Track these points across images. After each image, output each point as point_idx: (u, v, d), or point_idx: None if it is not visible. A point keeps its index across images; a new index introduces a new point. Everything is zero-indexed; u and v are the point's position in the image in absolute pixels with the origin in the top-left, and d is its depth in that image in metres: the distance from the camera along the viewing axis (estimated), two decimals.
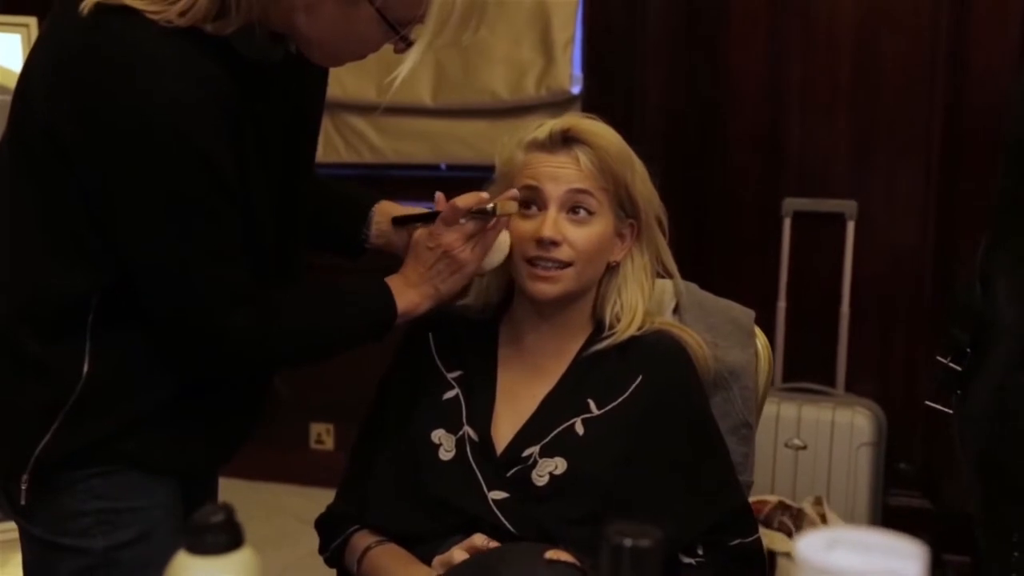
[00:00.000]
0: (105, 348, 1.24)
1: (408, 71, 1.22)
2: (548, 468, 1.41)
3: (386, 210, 1.53)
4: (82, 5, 1.13)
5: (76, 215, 1.20)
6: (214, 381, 1.34)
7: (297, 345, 1.36)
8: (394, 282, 1.40)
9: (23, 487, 1.26)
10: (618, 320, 1.50)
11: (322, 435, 3.67)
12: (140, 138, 1.14)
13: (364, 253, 1.55)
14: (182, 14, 1.14)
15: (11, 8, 2.95)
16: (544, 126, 1.47)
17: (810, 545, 0.52)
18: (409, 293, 1.40)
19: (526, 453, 1.42)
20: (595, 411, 1.44)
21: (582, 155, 1.44)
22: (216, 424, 1.36)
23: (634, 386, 1.45)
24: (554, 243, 1.42)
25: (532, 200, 1.46)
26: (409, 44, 1.23)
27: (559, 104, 3.22)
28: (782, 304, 2.99)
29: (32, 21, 2.90)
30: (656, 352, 1.49)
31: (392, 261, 1.47)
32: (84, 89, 1.14)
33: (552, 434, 1.43)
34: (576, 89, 3.24)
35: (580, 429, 1.43)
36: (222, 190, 1.20)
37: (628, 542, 0.67)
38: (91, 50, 1.14)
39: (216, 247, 1.22)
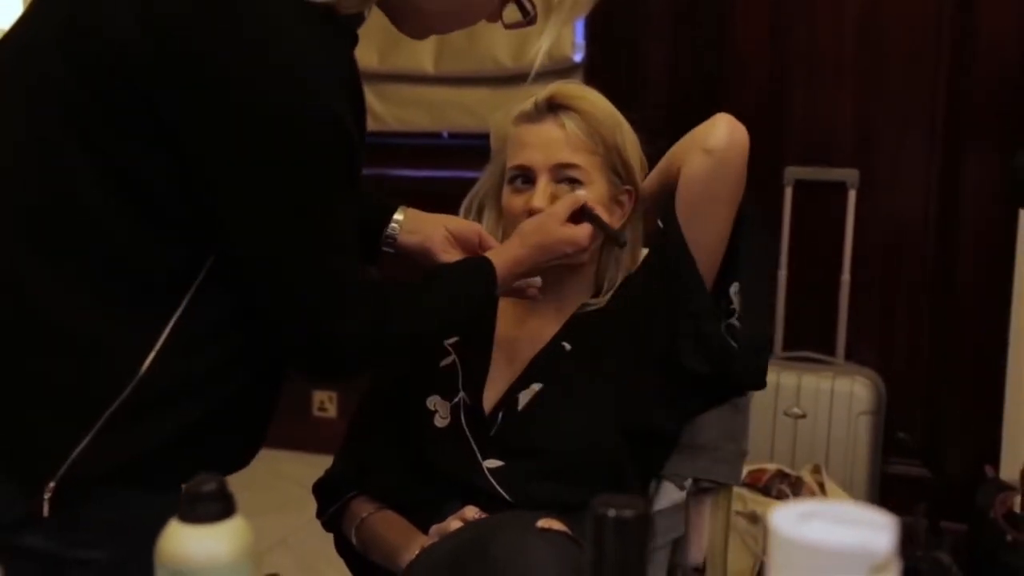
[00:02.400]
0: (183, 338, 1.11)
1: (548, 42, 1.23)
2: (527, 397, 1.45)
3: (415, 213, 1.47)
4: None
5: (165, 194, 1.08)
6: (258, 387, 1.23)
7: (406, 344, 1.30)
8: (499, 259, 1.35)
9: (46, 496, 1.08)
10: (612, 287, 1.51)
11: (325, 402, 3.70)
12: (286, 115, 1.04)
13: (381, 256, 1.47)
14: None
15: None
16: (531, 98, 1.48)
17: (783, 518, 0.53)
18: (509, 278, 1.36)
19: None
20: (567, 348, 1.48)
21: (568, 121, 1.45)
22: (252, 432, 1.27)
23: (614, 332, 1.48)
24: None
25: (522, 175, 1.46)
26: (529, 19, 1.21)
27: (562, 71, 3.20)
28: (783, 273, 2.99)
29: None
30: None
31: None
32: (212, 65, 1.02)
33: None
34: (579, 56, 3.23)
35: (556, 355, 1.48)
36: (352, 172, 1.12)
37: (612, 512, 0.68)
38: (226, 24, 1.02)
39: (342, 239, 1.14)
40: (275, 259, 1.11)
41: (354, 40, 1.16)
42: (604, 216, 1.43)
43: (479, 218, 1.55)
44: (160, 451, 1.13)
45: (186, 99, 1.04)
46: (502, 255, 1.36)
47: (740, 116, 1.41)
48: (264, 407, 1.26)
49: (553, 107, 1.46)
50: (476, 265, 1.35)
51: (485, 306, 1.38)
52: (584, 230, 1.39)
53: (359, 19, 1.17)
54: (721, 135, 1.38)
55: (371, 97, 3.38)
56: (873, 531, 0.52)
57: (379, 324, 1.20)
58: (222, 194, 1.08)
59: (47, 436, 1.10)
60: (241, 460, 1.26)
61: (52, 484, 1.08)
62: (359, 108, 1.14)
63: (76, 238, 1.09)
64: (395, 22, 1.23)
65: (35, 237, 1.09)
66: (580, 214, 1.40)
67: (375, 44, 3.25)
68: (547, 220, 1.38)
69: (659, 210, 1.48)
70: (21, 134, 1.11)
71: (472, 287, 1.34)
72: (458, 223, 1.46)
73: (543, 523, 1.24)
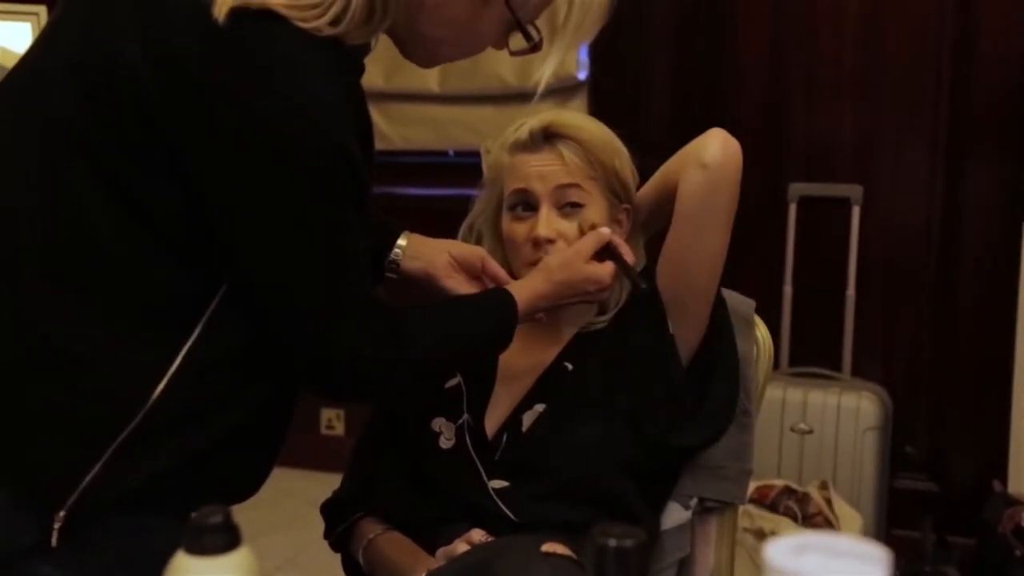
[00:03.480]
0: (196, 365, 1.11)
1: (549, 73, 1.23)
2: (530, 419, 1.44)
3: (418, 238, 1.47)
4: (215, 10, 1.01)
5: (170, 216, 1.08)
6: (269, 412, 1.23)
7: (418, 369, 1.30)
8: (521, 293, 1.36)
9: (56, 526, 1.08)
10: (616, 306, 1.52)
11: (332, 420, 3.71)
12: (287, 143, 1.05)
13: (383, 279, 1.47)
14: (334, 23, 1.06)
15: None
16: (524, 126, 1.48)
17: (779, 550, 0.54)
18: (529, 311, 1.36)
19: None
20: (569, 368, 1.49)
21: (566, 150, 1.46)
22: (263, 457, 1.27)
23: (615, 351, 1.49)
24: (550, 241, 1.44)
25: (523, 202, 1.47)
26: (534, 45, 1.22)
27: (566, 90, 3.23)
28: (788, 289, 3.00)
29: (42, 10, 2.92)
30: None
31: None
32: (217, 94, 1.04)
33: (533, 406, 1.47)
34: (583, 75, 3.25)
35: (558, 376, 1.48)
36: (359, 196, 1.13)
37: (612, 542, 0.69)
38: (232, 54, 1.03)
39: (348, 260, 1.14)
40: (282, 282, 1.12)
41: (360, 70, 1.17)
42: (627, 256, 1.43)
43: (478, 244, 1.56)
44: (171, 477, 1.13)
45: (191, 125, 1.05)
46: (525, 289, 1.36)
47: (742, 128, 1.44)
48: (275, 432, 1.27)
49: (550, 136, 1.47)
50: (498, 298, 1.35)
51: (505, 339, 1.35)
52: (607, 268, 1.40)
53: (365, 49, 1.18)
54: (715, 149, 1.41)
55: (377, 116, 3.41)
56: (867, 563, 0.53)
57: (391, 346, 1.20)
58: (228, 218, 1.09)
59: (58, 465, 1.09)
60: (252, 485, 1.27)
61: (62, 513, 1.08)
62: (366, 133, 1.15)
63: (87, 266, 1.10)
64: (403, 51, 1.24)
65: (47, 266, 1.10)
66: (604, 252, 1.41)
67: (381, 64, 3.28)
68: (573, 258, 1.39)
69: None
70: (32, 163, 1.12)
71: (492, 320, 1.34)
72: (461, 248, 1.47)
73: (548, 547, 1.25)
